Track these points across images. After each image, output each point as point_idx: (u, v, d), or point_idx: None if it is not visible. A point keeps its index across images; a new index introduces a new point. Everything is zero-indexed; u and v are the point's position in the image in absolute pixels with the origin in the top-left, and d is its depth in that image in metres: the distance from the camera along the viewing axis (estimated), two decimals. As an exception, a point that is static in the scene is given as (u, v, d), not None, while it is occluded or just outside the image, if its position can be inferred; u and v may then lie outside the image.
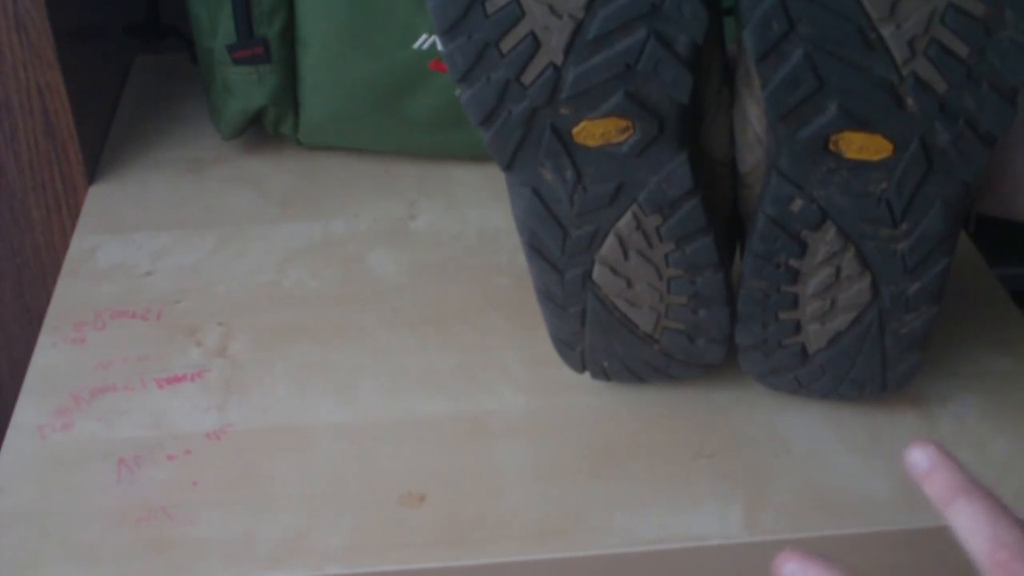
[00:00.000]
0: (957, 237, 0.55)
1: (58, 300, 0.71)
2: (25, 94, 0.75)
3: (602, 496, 0.59)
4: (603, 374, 0.63)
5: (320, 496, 0.59)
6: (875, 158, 0.51)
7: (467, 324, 0.69)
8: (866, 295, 0.56)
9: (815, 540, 0.57)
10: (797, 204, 0.54)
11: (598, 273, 0.57)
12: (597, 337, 0.60)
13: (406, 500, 0.59)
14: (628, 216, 0.55)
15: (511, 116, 0.52)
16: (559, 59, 0.51)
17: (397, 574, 0.56)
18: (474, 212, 0.78)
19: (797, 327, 0.58)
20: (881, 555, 0.58)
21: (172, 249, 0.75)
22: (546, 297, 0.59)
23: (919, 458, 0.42)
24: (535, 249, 0.57)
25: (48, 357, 0.67)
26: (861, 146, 0.51)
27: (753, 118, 0.54)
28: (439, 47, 0.63)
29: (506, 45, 0.51)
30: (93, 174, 0.81)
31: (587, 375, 0.64)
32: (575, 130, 0.52)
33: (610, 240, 0.56)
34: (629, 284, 0.57)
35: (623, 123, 0.52)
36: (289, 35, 0.77)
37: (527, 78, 0.51)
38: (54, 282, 0.73)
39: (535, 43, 0.51)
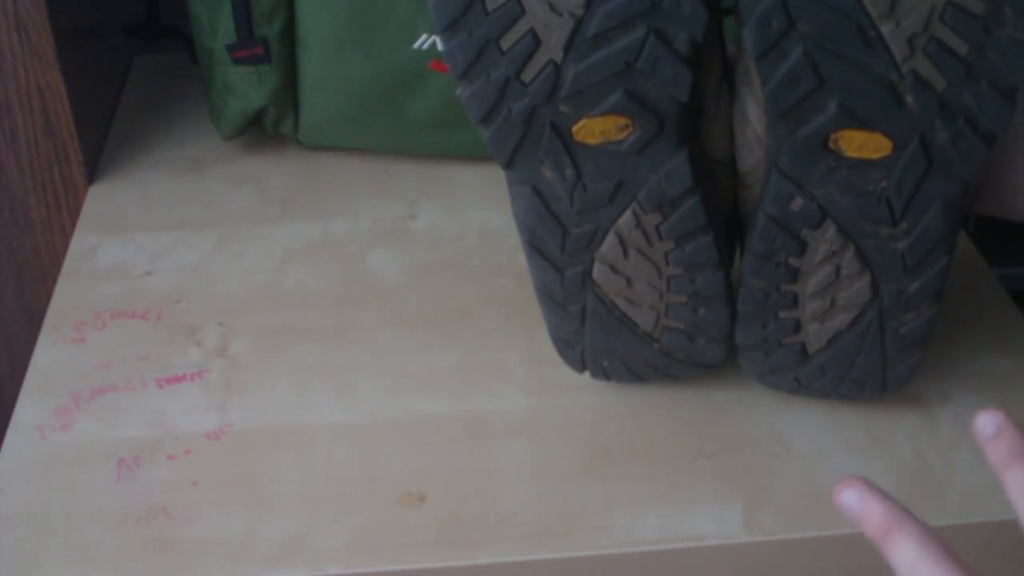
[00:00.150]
0: (957, 236, 0.55)
1: (58, 300, 0.71)
2: (25, 94, 0.75)
3: (602, 496, 0.59)
4: (603, 373, 0.63)
5: (320, 496, 0.59)
6: (875, 156, 0.51)
7: (467, 324, 0.69)
8: (866, 294, 0.56)
9: (815, 540, 0.57)
10: (797, 203, 0.53)
11: (598, 272, 0.57)
12: (597, 336, 0.60)
13: (406, 500, 0.59)
14: (628, 214, 0.55)
15: (511, 114, 0.52)
16: (559, 57, 0.51)
17: (397, 574, 0.56)
18: (474, 212, 0.78)
19: (797, 326, 0.58)
20: (881, 555, 0.58)
21: (172, 249, 0.75)
22: (546, 296, 0.59)
23: (986, 423, 0.43)
24: (535, 248, 0.57)
25: (48, 357, 0.67)
26: (861, 144, 0.51)
27: (753, 117, 0.54)
28: (439, 45, 0.63)
29: (506, 42, 0.51)
30: (93, 174, 0.81)
31: (587, 375, 0.63)
32: (575, 128, 0.52)
33: (610, 238, 0.56)
34: (629, 283, 0.57)
35: (623, 121, 0.52)
36: (289, 35, 0.76)
37: (527, 76, 0.51)
38: (54, 282, 0.73)
39: (535, 41, 0.51)
